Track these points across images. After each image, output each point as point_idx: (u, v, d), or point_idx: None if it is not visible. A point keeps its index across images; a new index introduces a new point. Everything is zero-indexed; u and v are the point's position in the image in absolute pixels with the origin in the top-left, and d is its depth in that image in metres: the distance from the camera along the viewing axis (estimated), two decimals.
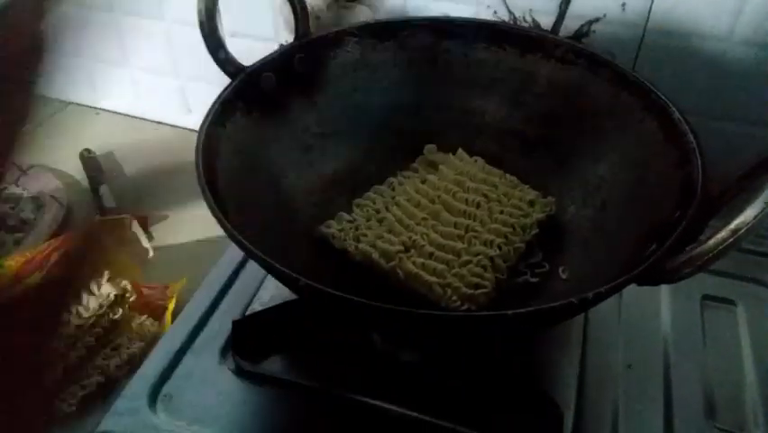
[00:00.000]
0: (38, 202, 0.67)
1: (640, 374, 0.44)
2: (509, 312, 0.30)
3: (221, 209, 0.35)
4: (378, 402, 0.41)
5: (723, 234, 0.29)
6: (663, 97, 0.43)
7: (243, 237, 0.33)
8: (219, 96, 0.44)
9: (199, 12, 0.42)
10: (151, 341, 0.51)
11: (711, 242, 0.29)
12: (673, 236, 0.33)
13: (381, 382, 0.43)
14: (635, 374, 0.44)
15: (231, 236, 0.34)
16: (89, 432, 0.43)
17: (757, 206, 0.28)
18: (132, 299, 0.51)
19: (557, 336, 0.45)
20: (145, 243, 0.59)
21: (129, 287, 0.51)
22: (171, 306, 0.54)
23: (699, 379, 0.44)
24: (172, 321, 0.52)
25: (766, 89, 0.53)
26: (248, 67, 0.46)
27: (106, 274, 0.51)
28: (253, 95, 0.46)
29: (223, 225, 0.34)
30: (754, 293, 0.50)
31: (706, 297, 0.49)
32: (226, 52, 0.44)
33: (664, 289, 0.50)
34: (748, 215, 0.28)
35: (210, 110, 0.43)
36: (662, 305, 0.49)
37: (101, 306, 0.49)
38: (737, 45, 0.52)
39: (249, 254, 0.33)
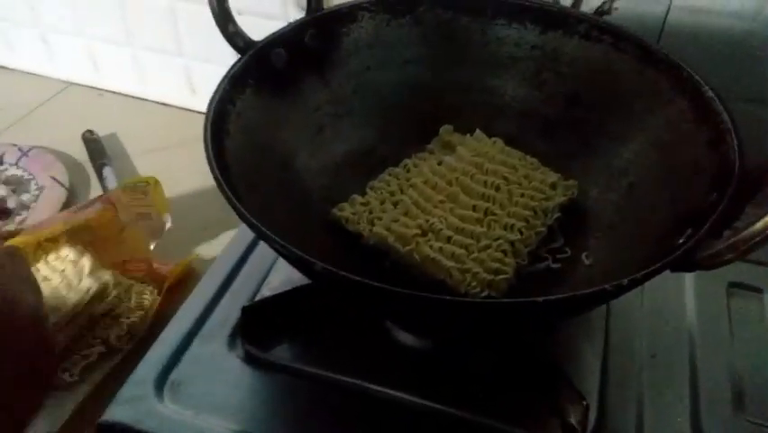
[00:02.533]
0: (39, 184, 0.65)
1: (665, 364, 0.43)
2: (540, 299, 0.28)
3: (232, 190, 0.34)
4: (391, 391, 0.40)
5: None
6: (696, 75, 0.41)
7: (256, 219, 0.31)
8: (228, 72, 0.42)
9: None
10: (152, 311, 0.50)
11: (758, 225, 0.27)
12: (712, 219, 0.32)
13: (394, 371, 0.41)
14: (660, 364, 0.43)
15: (242, 218, 0.32)
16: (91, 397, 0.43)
17: None
18: (114, 294, 0.49)
19: (579, 324, 0.43)
20: (166, 213, 0.57)
21: (111, 281, 0.49)
22: (169, 282, 0.53)
23: (727, 369, 0.43)
24: (172, 297, 0.51)
25: None
26: (258, 42, 0.44)
27: (87, 267, 0.49)
28: (264, 71, 0.44)
29: (234, 207, 0.32)
30: None
31: (732, 284, 0.48)
32: (236, 26, 0.42)
33: (689, 276, 0.48)
34: None
35: (219, 86, 0.41)
36: (686, 292, 0.47)
37: (80, 302, 0.47)
38: (764, 25, 0.50)
39: (262, 237, 0.32)
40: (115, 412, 0.39)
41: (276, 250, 0.32)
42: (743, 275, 0.48)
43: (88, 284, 0.48)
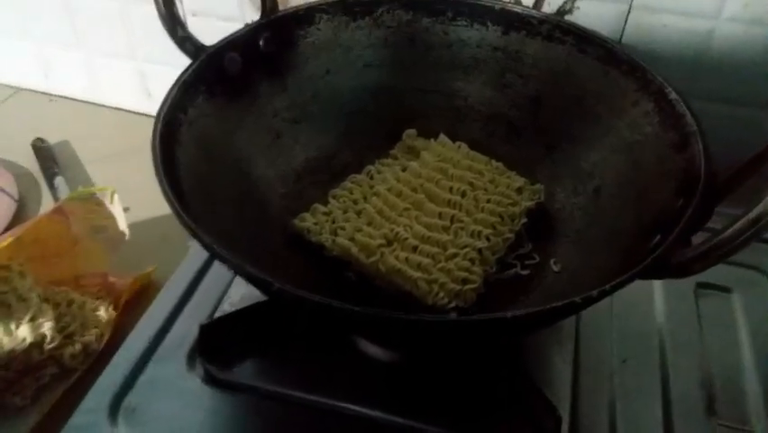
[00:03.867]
0: None
1: (636, 369, 0.42)
2: (509, 315, 0.27)
3: (181, 204, 0.32)
4: (359, 408, 0.38)
5: (741, 224, 0.26)
6: (659, 77, 0.40)
7: (207, 235, 0.30)
8: (178, 79, 0.40)
9: None
10: (108, 329, 0.48)
11: (728, 233, 0.27)
12: (679, 226, 0.31)
13: (362, 386, 0.40)
14: (631, 369, 0.42)
15: (193, 235, 0.30)
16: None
17: None
18: (50, 346, 0.46)
19: (549, 331, 0.43)
20: (122, 224, 0.54)
21: (48, 334, 0.46)
22: (125, 296, 0.50)
23: (698, 372, 0.42)
24: (130, 312, 0.48)
25: (756, 68, 0.51)
26: (210, 46, 0.42)
27: (29, 311, 0.46)
28: (217, 77, 0.42)
29: (183, 223, 0.31)
30: (750, 279, 0.48)
31: (700, 284, 0.47)
32: (185, 30, 0.41)
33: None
34: None
35: (168, 94, 0.39)
36: (655, 294, 0.47)
37: (13, 350, 0.44)
38: (725, 22, 0.50)
39: (214, 255, 0.30)
40: None
41: (230, 268, 0.30)
42: (711, 275, 0.47)
43: (25, 334, 0.44)
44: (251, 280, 0.30)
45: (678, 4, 0.50)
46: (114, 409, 0.38)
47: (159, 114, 0.37)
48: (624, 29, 0.52)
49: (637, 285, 0.45)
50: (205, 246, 0.30)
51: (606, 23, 0.51)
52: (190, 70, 0.40)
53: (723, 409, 0.40)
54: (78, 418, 0.38)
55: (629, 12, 0.51)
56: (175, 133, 0.38)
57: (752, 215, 0.26)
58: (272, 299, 0.35)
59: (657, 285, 0.47)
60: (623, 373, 0.42)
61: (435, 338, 0.32)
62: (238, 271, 0.29)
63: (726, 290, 0.47)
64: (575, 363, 0.42)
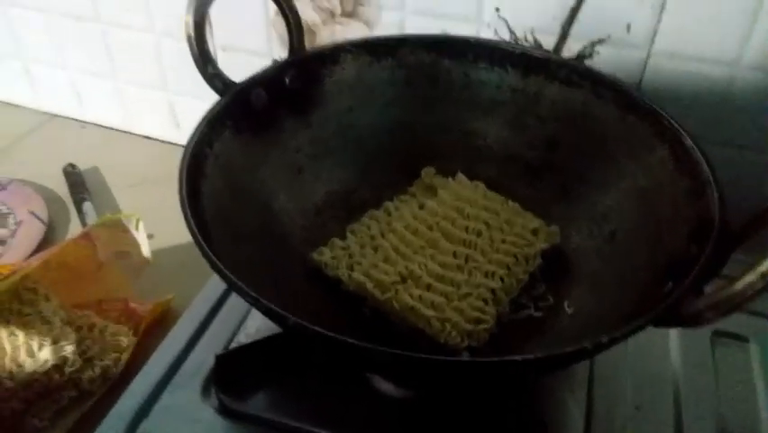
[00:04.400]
0: (17, 218, 0.64)
1: (650, 416, 0.42)
2: (519, 358, 0.27)
3: (204, 236, 0.33)
4: None
5: (751, 277, 0.27)
6: (675, 123, 0.41)
7: (226, 268, 0.31)
8: (206, 114, 0.41)
9: (187, 24, 0.40)
10: (127, 354, 0.49)
11: (739, 286, 0.27)
12: (692, 275, 0.31)
13: (374, 422, 0.40)
14: (645, 416, 0.42)
15: (212, 266, 0.31)
16: None
17: None
18: (71, 370, 0.47)
19: (563, 375, 0.42)
20: (146, 251, 0.55)
21: (70, 357, 0.47)
22: (145, 323, 0.51)
23: (713, 421, 0.42)
24: (149, 338, 0.49)
25: None
26: (238, 83, 0.44)
27: (52, 333, 0.47)
28: (243, 112, 0.44)
29: (204, 254, 0.32)
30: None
31: (717, 333, 0.47)
32: (215, 67, 0.42)
33: None
34: None
35: (197, 129, 0.40)
36: (670, 341, 0.47)
37: (35, 372, 0.45)
38: (745, 70, 0.50)
39: (232, 287, 0.31)
40: None
41: (247, 300, 0.31)
42: (728, 324, 0.47)
43: (47, 356, 0.45)
44: (267, 313, 0.31)
45: (697, 50, 0.50)
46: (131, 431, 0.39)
47: (186, 147, 0.39)
48: (643, 74, 0.53)
49: (653, 331, 0.46)
50: (224, 278, 0.31)
51: (625, 68, 0.52)
52: (217, 106, 0.42)
53: None
54: None
55: (648, 57, 0.52)
56: (201, 166, 0.39)
57: (762, 268, 0.26)
58: (288, 333, 0.35)
59: (673, 332, 0.47)
60: (636, 420, 0.42)
61: (445, 377, 0.32)
62: (255, 304, 0.30)
63: (743, 339, 0.47)
64: (588, 407, 0.42)
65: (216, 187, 0.40)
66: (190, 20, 0.40)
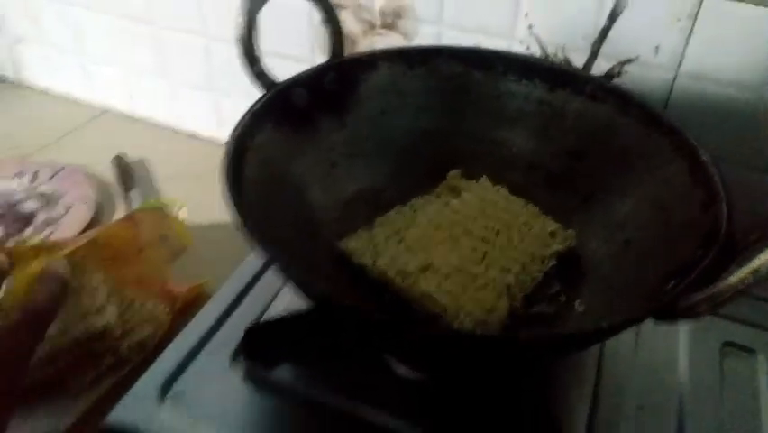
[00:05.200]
0: (68, 201, 0.69)
1: (652, 417, 0.43)
2: (520, 335, 0.30)
3: (243, 215, 0.36)
4: (385, 419, 0.41)
5: (743, 272, 0.29)
6: (693, 140, 0.43)
7: (264, 241, 0.34)
8: (250, 108, 0.45)
9: (238, 25, 0.44)
10: (163, 327, 0.52)
11: (731, 279, 0.29)
12: (693, 274, 0.33)
13: (389, 399, 0.42)
14: (647, 417, 0.43)
15: (249, 238, 0.34)
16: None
17: None
18: (112, 338, 0.50)
19: (571, 369, 0.44)
20: (185, 236, 0.59)
21: (112, 326, 0.50)
22: (180, 302, 0.55)
23: (715, 427, 0.43)
24: (183, 316, 0.52)
25: None
26: (280, 82, 0.47)
27: (98, 301, 0.50)
28: (284, 109, 0.47)
29: (243, 228, 0.35)
30: None
31: (726, 344, 0.48)
32: (261, 67, 0.46)
33: (683, 333, 0.49)
34: None
35: (241, 120, 0.44)
36: (680, 349, 0.48)
37: (82, 335, 0.48)
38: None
39: (268, 255, 0.34)
40: (119, 415, 0.41)
41: (280, 269, 0.34)
42: (737, 336, 0.49)
43: (93, 321, 0.49)
44: (297, 281, 0.34)
45: (724, 74, 0.52)
46: (164, 391, 0.43)
47: (231, 136, 0.42)
48: (670, 95, 0.55)
49: (663, 337, 0.48)
50: (260, 245, 0.34)
51: (652, 88, 0.54)
52: (262, 101, 0.45)
53: None
54: (132, 396, 0.43)
55: (675, 79, 0.54)
56: (243, 153, 0.42)
57: (754, 264, 0.28)
58: (315, 304, 0.38)
59: (683, 340, 0.49)
60: (639, 419, 0.43)
61: (449, 352, 0.34)
62: (287, 270, 0.33)
63: (750, 351, 0.48)
64: (593, 403, 0.43)
65: (256, 174, 0.43)
66: (242, 21, 0.44)
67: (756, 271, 0.28)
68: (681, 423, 0.43)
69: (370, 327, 0.34)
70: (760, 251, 0.30)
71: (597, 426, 0.42)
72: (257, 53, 0.45)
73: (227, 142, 0.42)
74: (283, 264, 0.33)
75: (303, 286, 0.33)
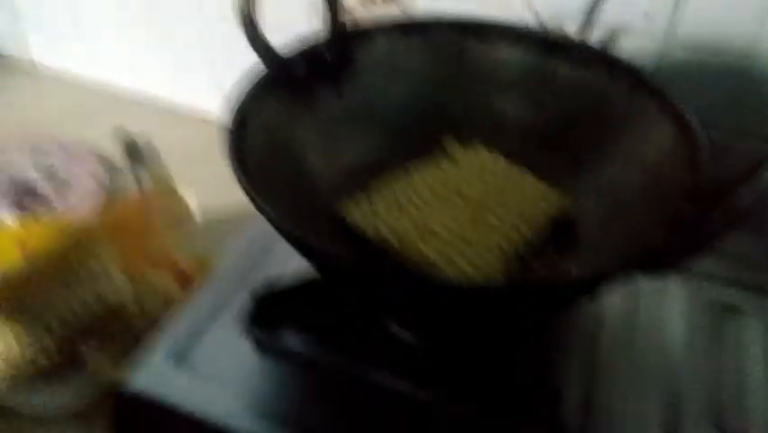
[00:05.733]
0: (79, 180, 0.71)
1: (650, 384, 0.45)
2: (503, 284, 0.31)
3: (245, 176, 0.38)
4: (388, 380, 0.43)
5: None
6: (676, 100, 0.44)
7: (261, 198, 0.35)
8: (251, 77, 0.46)
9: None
10: (173, 302, 0.54)
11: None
12: (677, 225, 0.34)
13: (392, 364, 0.44)
14: (645, 384, 0.45)
15: (247, 194, 0.36)
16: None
17: None
18: (125, 313, 0.53)
19: (569, 337, 0.46)
20: (195, 216, 0.61)
21: (126, 302, 0.53)
22: (190, 279, 0.57)
23: (709, 391, 0.45)
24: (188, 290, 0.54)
25: None
26: (280, 53, 0.49)
27: (113, 280, 0.53)
28: (284, 78, 0.49)
29: (244, 187, 0.37)
30: None
31: (722, 308, 0.50)
32: (262, 37, 0.47)
33: (681, 296, 0.51)
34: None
35: (242, 89, 0.45)
36: (675, 315, 0.50)
37: (96, 313, 0.51)
38: (762, 59, 0.53)
39: (267, 216, 0.36)
40: (134, 381, 0.43)
41: (277, 227, 0.36)
42: (732, 299, 0.51)
43: (107, 300, 0.51)
44: (295, 239, 0.35)
45: (715, 41, 0.53)
46: (176, 356, 0.45)
47: (234, 102, 0.44)
48: (661, 62, 0.56)
49: (660, 300, 0.49)
50: (259, 208, 0.35)
51: (645, 57, 0.55)
52: (264, 74, 0.47)
53: (727, 420, 0.43)
54: (146, 360, 0.45)
55: (665, 46, 0.55)
56: (245, 120, 0.44)
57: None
58: (311, 261, 0.40)
59: (679, 305, 0.50)
60: (636, 384, 0.45)
61: (441, 304, 0.36)
62: (283, 226, 0.35)
63: (743, 313, 0.50)
64: (592, 370, 0.45)
65: (258, 140, 0.44)
66: None
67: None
68: (675, 382, 0.45)
69: (367, 280, 0.35)
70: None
71: (595, 393, 0.44)
72: (258, 25, 0.47)
73: (230, 109, 0.43)
74: (280, 219, 0.34)
75: (302, 245, 0.35)
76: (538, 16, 0.57)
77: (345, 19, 0.52)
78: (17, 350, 0.49)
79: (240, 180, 0.37)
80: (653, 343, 0.48)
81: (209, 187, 0.67)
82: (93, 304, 0.51)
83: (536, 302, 0.37)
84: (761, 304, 0.51)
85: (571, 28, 0.56)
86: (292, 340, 0.46)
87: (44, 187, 0.69)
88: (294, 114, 0.49)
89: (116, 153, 0.75)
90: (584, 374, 0.45)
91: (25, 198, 0.67)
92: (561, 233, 0.48)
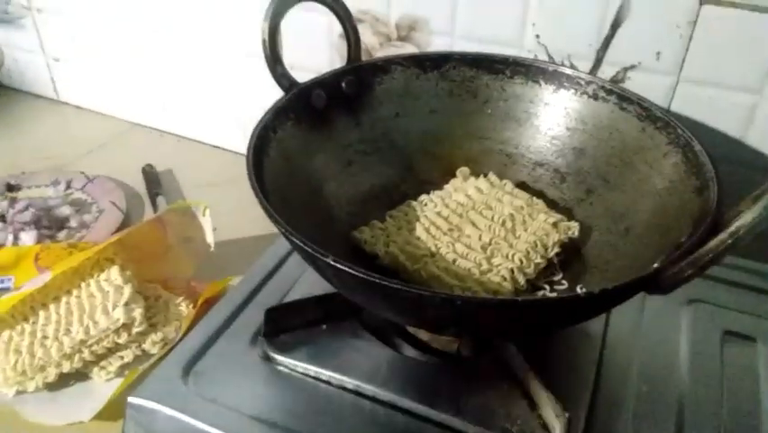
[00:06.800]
0: (99, 207, 0.73)
1: (653, 402, 0.45)
2: (518, 299, 0.32)
3: (264, 197, 0.39)
4: (393, 398, 0.43)
5: (722, 236, 0.31)
6: (687, 132, 0.46)
7: (282, 220, 0.37)
8: (273, 105, 0.48)
9: (263, 30, 0.48)
10: (186, 323, 0.55)
11: (712, 243, 0.31)
12: (682, 249, 0.35)
13: (400, 380, 0.44)
14: (648, 401, 0.45)
15: (270, 216, 0.37)
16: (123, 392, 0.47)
17: (756, 211, 0.30)
18: (137, 330, 0.53)
19: (574, 353, 0.46)
20: (210, 238, 0.62)
21: (138, 319, 0.53)
22: (203, 298, 0.57)
23: (713, 410, 0.44)
24: (201, 311, 0.55)
25: None
26: (301, 83, 0.51)
27: (125, 297, 0.54)
28: (304, 108, 0.51)
29: (263, 206, 0.38)
30: None
31: (727, 332, 0.50)
32: (283, 68, 0.49)
33: (685, 320, 0.51)
34: (746, 218, 0.30)
35: (264, 116, 0.47)
36: (681, 337, 0.50)
37: (108, 328, 0.52)
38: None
39: (285, 232, 0.37)
40: (144, 393, 0.44)
41: (293, 243, 0.37)
42: (738, 325, 0.50)
43: (119, 315, 0.52)
44: (310, 255, 0.36)
45: (723, 78, 0.55)
46: (186, 370, 0.45)
47: (254, 129, 0.46)
48: (672, 98, 0.57)
49: (666, 324, 0.49)
50: (277, 223, 0.37)
51: (655, 92, 0.57)
52: (283, 100, 0.49)
53: None
54: (156, 374, 0.45)
55: (677, 83, 0.57)
56: (265, 146, 0.46)
57: (731, 228, 0.30)
58: (325, 276, 0.40)
59: (685, 327, 0.50)
60: (640, 399, 0.45)
61: (451, 315, 0.36)
62: (300, 243, 0.36)
63: (751, 339, 0.49)
64: (595, 385, 0.45)
65: (276, 166, 0.46)
66: (266, 26, 0.47)
67: (734, 233, 0.30)
68: (680, 407, 0.45)
69: (379, 293, 0.36)
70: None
71: (599, 407, 0.44)
72: (279, 55, 0.49)
73: (251, 135, 0.45)
74: (295, 237, 0.36)
75: (315, 260, 0.36)
76: (551, 56, 0.59)
77: (364, 58, 0.55)
78: (27, 360, 0.50)
79: (262, 204, 0.38)
80: (658, 366, 0.47)
81: (227, 212, 0.69)
82: (105, 320, 0.52)
83: (544, 319, 0.38)
84: (764, 329, 0.50)
85: (583, 67, 0.59)
86: (299, 354, 0.46)
87: (67, 213, 0.71)
88: (312, 142, 0.51)
89: (137, 183, 0.78)
90: (589, 393, 0.45)
91: (49, 224, 0.69)
92: (570, 258, 0.49)
